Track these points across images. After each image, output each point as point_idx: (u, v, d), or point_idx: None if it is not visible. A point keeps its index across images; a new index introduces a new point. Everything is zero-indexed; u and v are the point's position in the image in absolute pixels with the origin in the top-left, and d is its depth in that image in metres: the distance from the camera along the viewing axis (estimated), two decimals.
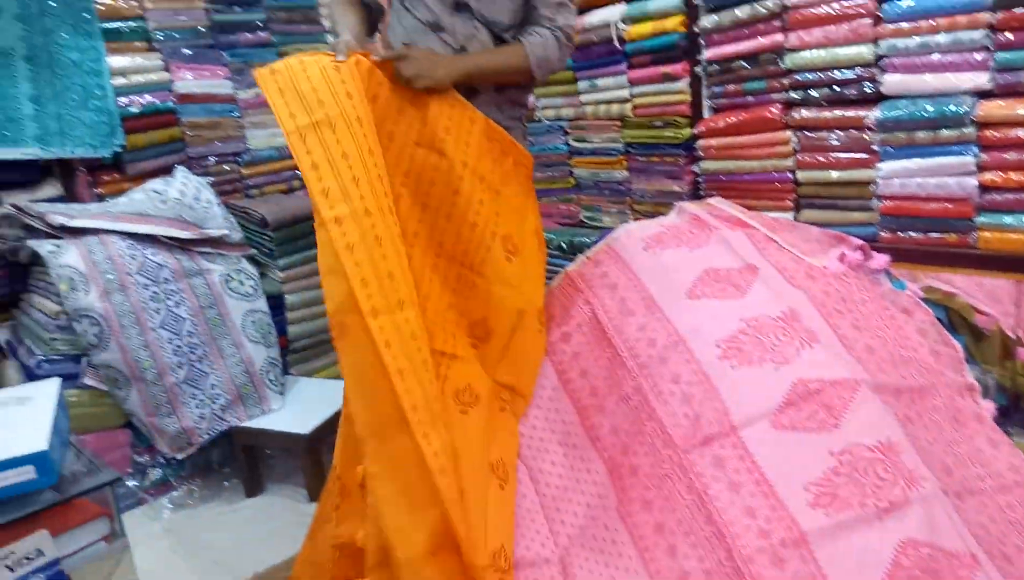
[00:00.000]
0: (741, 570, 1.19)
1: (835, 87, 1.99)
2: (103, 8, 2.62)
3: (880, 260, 1.68)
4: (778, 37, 2.06)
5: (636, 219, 2.47)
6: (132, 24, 2.72)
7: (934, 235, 1.90)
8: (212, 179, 2.85)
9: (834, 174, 2.04)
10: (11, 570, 1.33)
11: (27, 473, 1.37)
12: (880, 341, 1.50)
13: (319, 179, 1.37)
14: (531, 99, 2.22)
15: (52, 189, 2.67)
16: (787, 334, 1.44)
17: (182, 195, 2.59)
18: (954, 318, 2.03)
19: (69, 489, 1.48)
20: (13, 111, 2.47)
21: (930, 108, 1.81)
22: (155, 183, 2.62)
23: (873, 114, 1.91)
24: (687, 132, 2.37)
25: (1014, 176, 1.75)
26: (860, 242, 1.68)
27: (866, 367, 1.39)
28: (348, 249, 1.35)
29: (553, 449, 1.59)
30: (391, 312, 1.35)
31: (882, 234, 1.98)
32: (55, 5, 2.51)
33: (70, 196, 2.70)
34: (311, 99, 1.41)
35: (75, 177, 2.73)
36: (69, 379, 2.23)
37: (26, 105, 2.49)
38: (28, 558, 1.36)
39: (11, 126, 2.47)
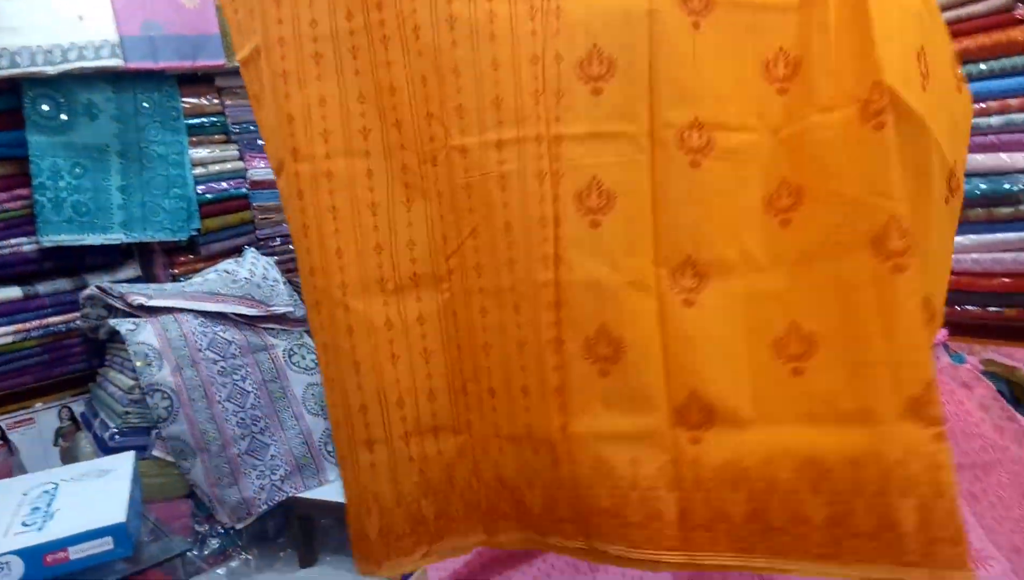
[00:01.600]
0: None
1: None
2: (188, 106, 2.87)
3: (938, 334, 1.66)
4: None
5: None
6: (213, 119, 2.96)
7: (992, 309, 1.88)
8: (278, 258, 3.00)
9: None
10: None
11: (106, 544, 1.44)
12: None
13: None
14: None
15: (131, 270, 2.86)
16: None
17: (251, 274, 2.74)
18: (1017, 391, 1.98)
19: (143, 559, 1.55)
20: (104, 201, 2.69)
21: (984, 186, 1.82)
22: (227, 264, 2.79)
23: None
24: None
25: None
26: None
27: None
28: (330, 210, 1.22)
29: None
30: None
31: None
32: (148, 106, 2.76)
33: (147, 277, 2.89)
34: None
35: (153, 259, 2.92)
36: (139, 450, 2.32)
37: (115, 196, 2.72)
38: None
39: (101, 215, 2.68)
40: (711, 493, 1.10)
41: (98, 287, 2.50)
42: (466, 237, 1.21)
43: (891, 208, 1.02)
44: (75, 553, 1.40)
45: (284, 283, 2.78)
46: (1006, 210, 1.80)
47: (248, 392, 2.46)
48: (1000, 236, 1.82)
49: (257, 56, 1.23)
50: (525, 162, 1.16)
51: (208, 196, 2.90)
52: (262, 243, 3.05)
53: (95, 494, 1.60)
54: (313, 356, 2.64)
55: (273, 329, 2.62)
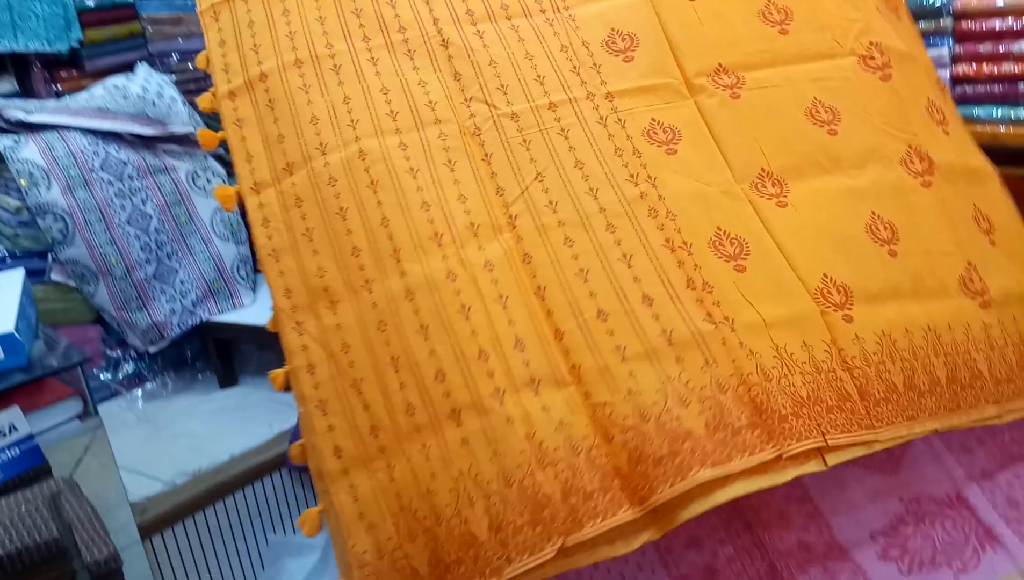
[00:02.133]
0: None
1: None
2: None
3: None
4: None
5: None
6: None
7: None
8: (176, 77, 2.76)
9: None
10: None
11: None
12: None
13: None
14: None
15: (6, 85, 2.58)
16: None
17: (144, 92, 2.52)
18: None
19: (38, 369, 1.50)
20: None
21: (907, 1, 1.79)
22: (116, 79, 2.54)
23: None
24: None
25: (986, 67, 1.76)
26: None
27: None
28: (236, 124, 1.31)
29: None
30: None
31: None
32: None
33: (26, 93, 2.62)
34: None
35: (31, 73, 2.64)
36: (36, 275, 2.21)
37: None
38: (2, 434, 1.38)
39: None
40: (879, 366, 1.10)
41: None
42: (531, 182, 1.20)
43: (908, 139, 1.28)
44: None
45: (183, 103, 2.58)
46: (927, 25, 1.79)
47: (150, 215, 2.34)
48: None
49: (254, 84, 1.31)
50: (584, 114, 1.25)
51: (88, 3, 2.59)
52: (156, 59, 2.78)
53: None
54: (218, 180, 2.51)
55: (174, 151, 2.46)
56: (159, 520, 1.85)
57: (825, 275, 1.15)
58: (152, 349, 2.35)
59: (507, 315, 1.11)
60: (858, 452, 1.02)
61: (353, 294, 1.16)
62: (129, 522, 1.66)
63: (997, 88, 1.76)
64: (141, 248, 2.30)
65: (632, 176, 1.19)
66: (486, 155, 1.23)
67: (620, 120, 1.25)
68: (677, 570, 1.30)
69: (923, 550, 1.30)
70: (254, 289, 2.50)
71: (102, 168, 2.28)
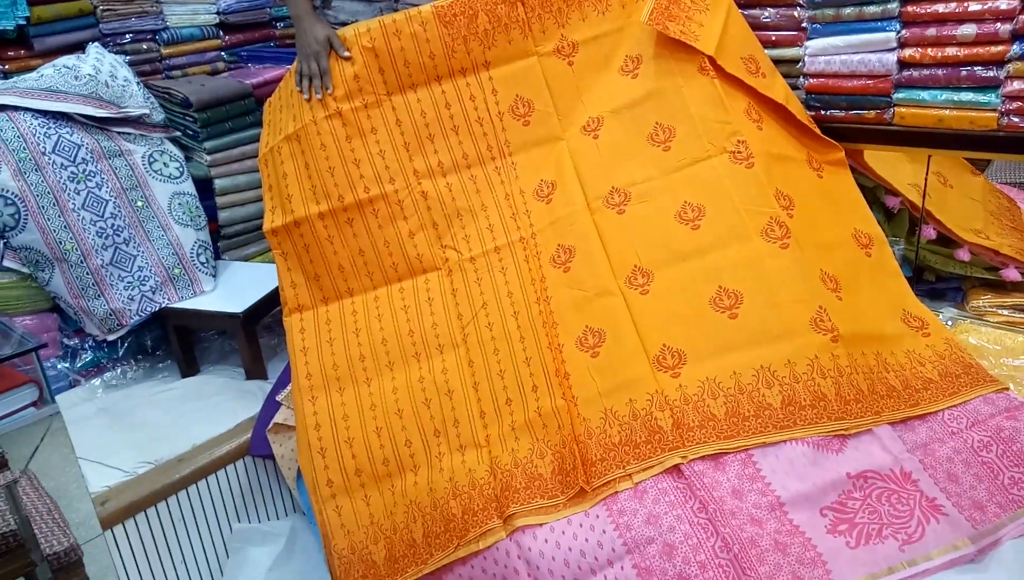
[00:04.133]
0: None
1: None
2: None
3: None
4: None
5: None
6: None
7: (855, 112, 1.95)
8: (129, 58, 2.70)
9: (765, 52, 2.05)
10: None
11: None
12: None
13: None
14: None
15: None
16: None
17: (96, 72, 2.45)
18: (869, 196, 2.12)
19: None
20: None
21: None
22: (66, 59, 2.46)
23: None
24: None
25: (931, 52, 1.80)
26: None
27: None
28: (282, 257, 1.92)
29: None
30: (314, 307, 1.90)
31: (808, 113, 2.02)
32: None
33: None
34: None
35: None
36: None
37: None
38: None
39: None
40: (697, 403, 1.49)
41: None
42: (478, 309, 1.77)
43: (771, 213, 1.65)
44: None
45: (137, 83, 2.51)
46: (874, 9, 1.82)
47: (106, 200, 2.29)
48: (867, 36, 1.85)
49: (290, 229, 1.90)
50: (516, 255, 1.81)
51: None
52: (108, 40, 2.71)
53: None
54: (176, 164, 2.46)
55: (129, 133, 2.40)
56: (120, 510, 1.83)
57: (664, 344, 1.57)
58: (111, 337, 2.31)
59: (452, 403, 1.70)
60: (657, 469, 1.43)
61: (355, 384, 1.78)
62: (90, 513, 1.65)
63: (941, 72, 1.79)
64: (97, 234, 2.25)
65: (538, 299, 1.73)
66: (454, 291, 1.82)
67: (537, 253, 1.78)
68: (638, 552, 1.35)
69: (870, 524, 1.35)
70: (215, 276, 2.47)
71: (54, 151, 2.22)
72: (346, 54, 1.83)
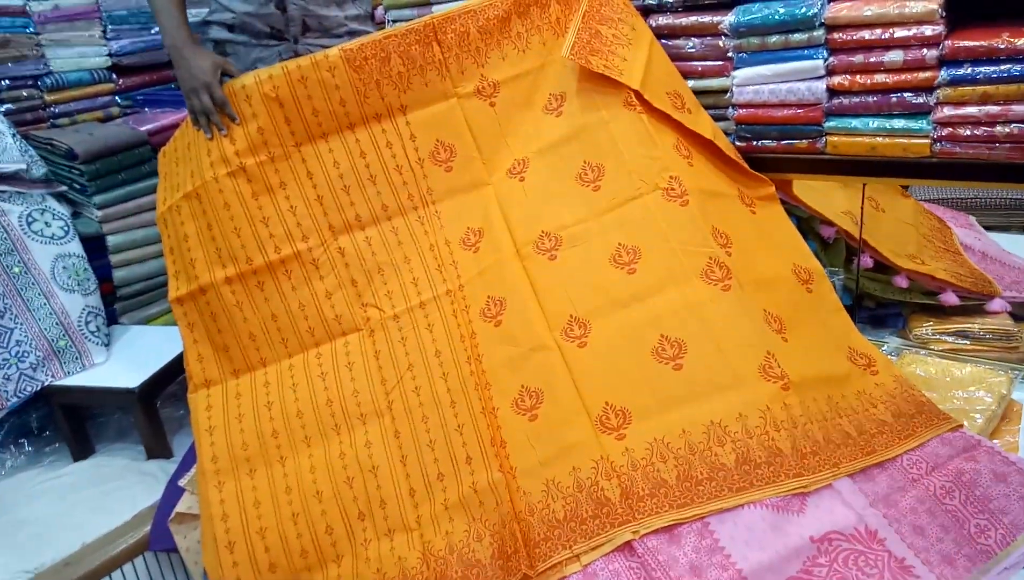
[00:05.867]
0: None
1: None
2: None
3: None
4: None
5: None
6: None
7: (786, 143, 1.89)
8: (8, 107, 2.45)
9: (691, 84, 1.98)
10: None
11: None
12: None
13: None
14: None
15: None
16: None
17: None
18: (804, 226, 2.08)
19: None
20: None
21: (782, 10, 1.77)
22: None
23: (728, 19, 1.84)
24: None
25: (860, 79, 1.75)
26: None
27: None
28: (188, 327, 1.76)
29: None
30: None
31: (737, 144, 1.95)
32: None
33: None
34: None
35: None
36: None
37: None
38: None
39: None
40: (646, 468, 1.36)
41: None
42: (404, 372, 1.62)
43: (709, 253, 1.55)
44: None
45: (13, 135, 2.27)
46: (800, 36, 1.77)
47: None
48: (794, 64, 1.80)
49: (196, 296, 1.74)
50: (443, 309, 1.67)
51: None
52: None
53: None
54: (61, 223, 2.22)
55: (3, 192, 2.15)
56: None
57: (607, 403, 1.45)
58: None
59: (377, 481, 1.53)
60: (607, 547, 1.30)
61: (267, 465, 1.61)
62: None
63: (872, 99, 1.76)
64: None
65: (468, 358, 1.58)
66: (376, 353, 1.66)
67: (466, 307, 1.65)
68: None
69: None
70: (108, 345, 2.22)
71: None
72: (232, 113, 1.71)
